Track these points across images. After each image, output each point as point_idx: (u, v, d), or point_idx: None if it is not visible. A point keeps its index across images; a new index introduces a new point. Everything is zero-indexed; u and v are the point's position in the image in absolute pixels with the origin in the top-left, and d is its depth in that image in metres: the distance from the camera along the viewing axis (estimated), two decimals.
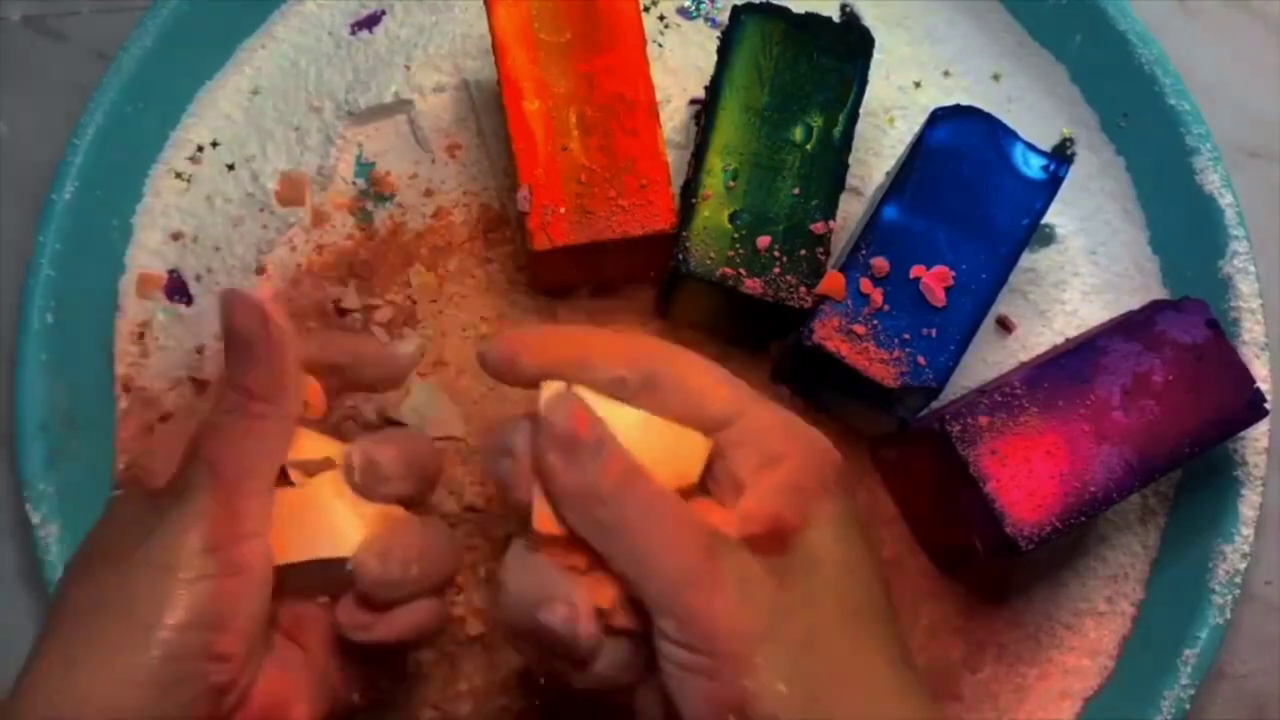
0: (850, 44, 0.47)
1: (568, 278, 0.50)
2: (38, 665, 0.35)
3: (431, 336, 0.50)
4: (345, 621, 0.38)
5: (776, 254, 0.46)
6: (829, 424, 0.50)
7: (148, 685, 0.34)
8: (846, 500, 0.38)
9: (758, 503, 0.36)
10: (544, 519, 0.36)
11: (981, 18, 0.54)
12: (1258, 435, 0.50)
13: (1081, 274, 0.53)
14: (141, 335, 0.51)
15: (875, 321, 0.45)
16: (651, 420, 0.36)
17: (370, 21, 0.55)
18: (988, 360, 0.52)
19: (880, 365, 0.45)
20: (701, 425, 0.36)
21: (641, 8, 0.53)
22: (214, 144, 0.53)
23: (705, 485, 0.37)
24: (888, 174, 0.50)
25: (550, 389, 0.36)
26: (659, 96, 0.52)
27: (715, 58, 0.48)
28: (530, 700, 0.48)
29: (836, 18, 0.51)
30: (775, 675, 0.34)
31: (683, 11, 0.54)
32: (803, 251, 0.46)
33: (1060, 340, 0.52)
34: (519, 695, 0.48)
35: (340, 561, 0.37)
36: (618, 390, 0.36)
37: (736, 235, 0.46)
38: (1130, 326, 0.47)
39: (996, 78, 0.54)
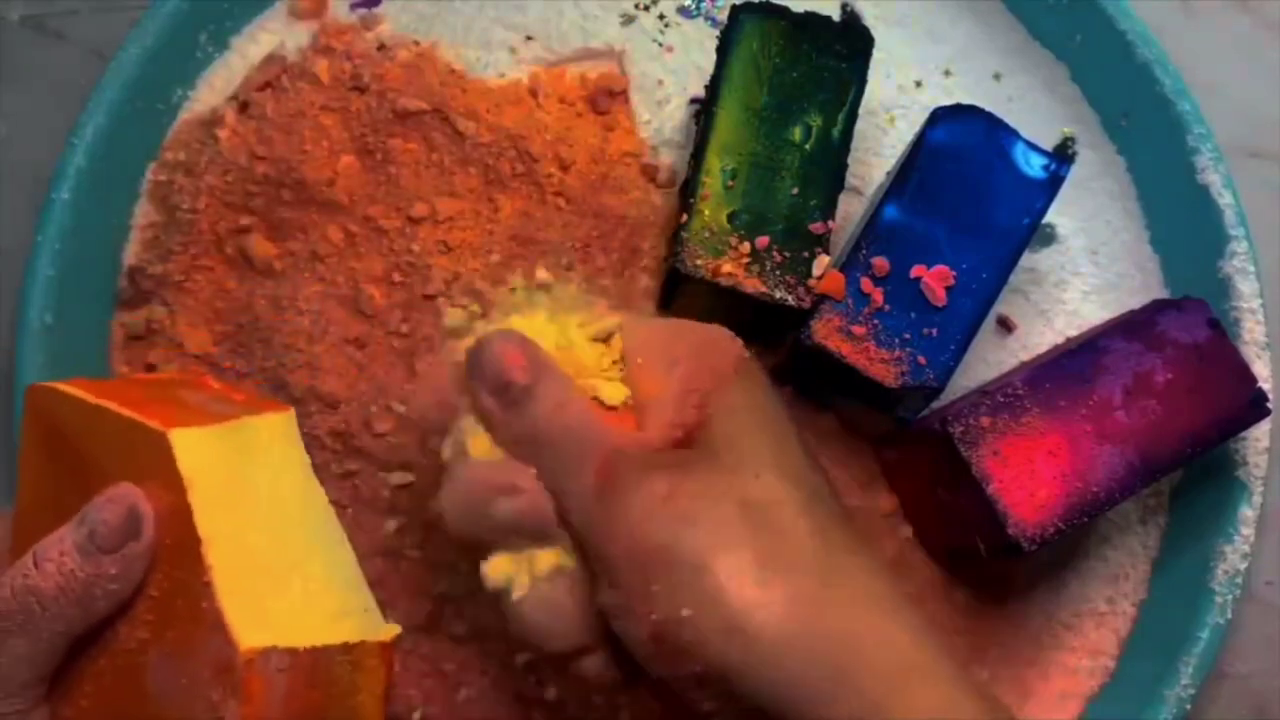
0: (850, 44, 0.47)
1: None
2: None
3: None
4: None
5: (776, 254, 0.46)
6: (829, 423, 0.50)
7: None
8: (748, 389, 0.37)
9: (659, 410, 0.36)
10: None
11: (982, 17, 0.54)
12: (1259, 435, 0.50)
13: (1082, 274, 0.53)
14: (141, 335, 0.51)
15: (875, 321, 0.45)
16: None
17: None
18: (988, 360, 0.52)
19: (880, 365, 0.45)
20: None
21: (643, 6, 0.54)
22: None
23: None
24: (888, 174, 0.50)
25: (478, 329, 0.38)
26: (659, 96, 0.53)
27: (715, 57, 0.48)
28: None
29: (836, 17, 0.51)
30: (676, 603, 0.33)
31: (683, 11, 0.54)
32: (803, 252, 0.46)
33: (1061, 340, 0.52)
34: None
35: None
36: None
37: (735, 235, 0.46)
38: (1131, 326, 0.47)
39: (997, 77, 0.54)
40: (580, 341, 0.39)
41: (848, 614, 0.33)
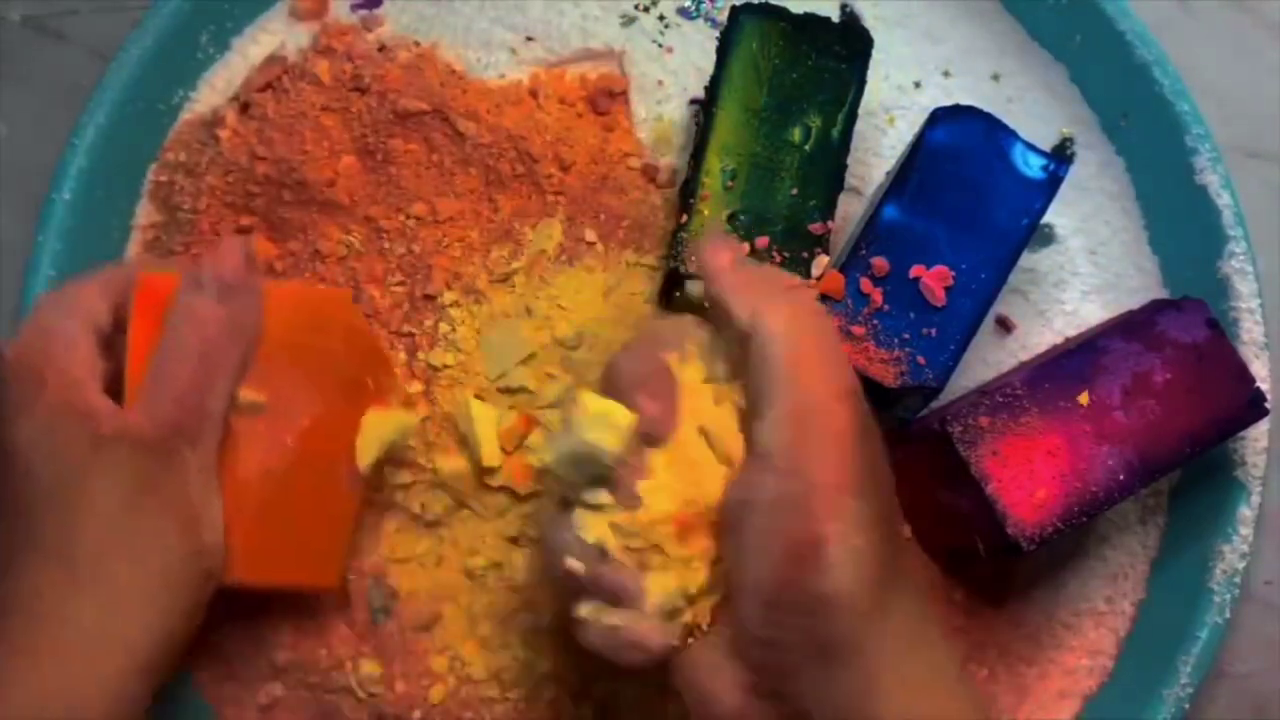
0: (849, 44, 0.47)
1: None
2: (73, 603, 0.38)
3: None
4: None
5: (775, 254, 0.46)
6: None
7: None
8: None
9: None
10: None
11: (981, 18, 0.54)
12: (1257, 435, 0.50)
13: (1081, 274, 0.53)
14: None
15: (875, 321, 0.45)
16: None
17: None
18: (988, 360, 0.52)
19: (880, 365, 0.45)
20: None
21: (643, 7, 0.54)
22: None
23: None
24: (888, 174, 0.50)
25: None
26: (659, 96, 0.53)
27: (715, 57, 0.48)
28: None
29: (836, 18, 0.51)
30: (857, 527, 0.36)
31: (683, 11, 0.54)
32: (802, 252, 0.46)
33: (1060, 340, 0.52)
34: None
35: None
36: None
37: (735, 235, 0.46)
38: (1130, 326, 0.47)
39: (996, 78, 0.54)
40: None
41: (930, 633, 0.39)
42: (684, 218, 0.46)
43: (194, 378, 0.41)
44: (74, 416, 0.39)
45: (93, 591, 0.39)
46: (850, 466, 0.36)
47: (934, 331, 0.45)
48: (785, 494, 0.36)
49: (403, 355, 0.50)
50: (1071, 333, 0.52)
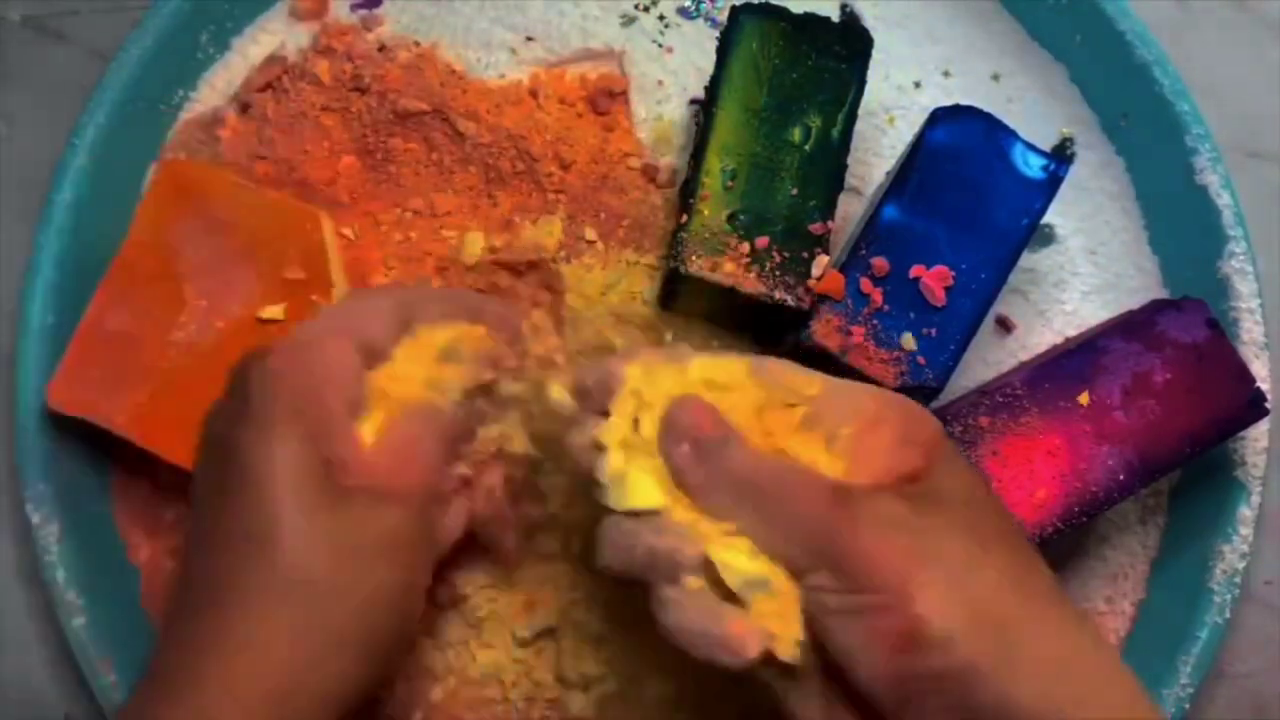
0: (849, 44, 0.47)
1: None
2: None
3: None
4: None
5: (775, 254, 0.46)
6: None
7: None
8: (953, 448, 0.39)
9: (876, 458, 0.37)
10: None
11: (981, 18, 0.54)
12: (1257, 435, 0.50)
13: (1081, 274, 0.53)
14: None
15: (875, 321, 0.45)
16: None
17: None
18: (988, 360, 0.52)
19: (880, 365, 0.45)
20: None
21: (643, 7, 0.54)
22: None
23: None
24: (888, 174, 0.50)
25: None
26: (659, 96, 0.53)
27: (715, 57, 0.48)
28: None
29: (836, 18, 0.51)
30: (941, 595, 0.34)
31: (683, 11, 0.54)
32: (802, 252, 0.46)
33: (1060, 340, 0.52)
34: None
35: None
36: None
37: (735, 235, 0.46)
38: (1130, 326, 0.47)
39: (996, 78, 0.54)
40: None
41: (1069, 639, 0.36)
42: (684, 218, 0.46)
43: (439, 452, 0.41)
44: (318, 461, 0.38)
45: (305, 639, 0.37)
46: (893, 545, 0.35)
47: (934, 331, 0.45)
48: (854, 604, 0.35)
49: None
50: (1071, 333, 0.52)
